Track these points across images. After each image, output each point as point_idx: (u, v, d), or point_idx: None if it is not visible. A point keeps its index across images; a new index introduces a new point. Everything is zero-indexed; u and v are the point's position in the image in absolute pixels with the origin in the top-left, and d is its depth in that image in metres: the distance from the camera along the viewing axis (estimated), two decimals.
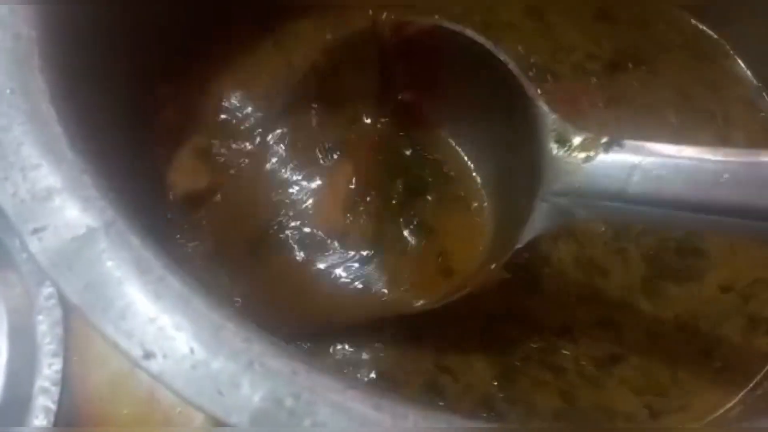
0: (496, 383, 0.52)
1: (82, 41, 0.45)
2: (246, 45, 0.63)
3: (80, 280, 0.34)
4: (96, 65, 0.45)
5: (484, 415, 0.51)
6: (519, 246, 0.48)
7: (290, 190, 0.58)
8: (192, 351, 0.33)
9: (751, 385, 0.52)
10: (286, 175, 0.58)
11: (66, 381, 0.57)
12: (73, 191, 0.37)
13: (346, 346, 0.53)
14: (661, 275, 0.57)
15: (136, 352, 0.33)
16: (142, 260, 0.36)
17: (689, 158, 0.43)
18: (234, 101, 0.60)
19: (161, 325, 0.34)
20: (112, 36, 0.48)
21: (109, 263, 0.35)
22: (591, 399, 0.52)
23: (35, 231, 0.35)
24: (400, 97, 0.59)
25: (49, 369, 0.57)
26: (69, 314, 0.58)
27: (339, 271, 0.55)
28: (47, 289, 0.59)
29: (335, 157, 0.59)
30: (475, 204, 0.58)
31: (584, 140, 0.46)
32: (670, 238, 0.58)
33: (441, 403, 0.51)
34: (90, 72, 0.44)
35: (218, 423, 0.32)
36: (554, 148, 0.47)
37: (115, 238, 0.36)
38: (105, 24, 0.48)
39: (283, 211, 0.57)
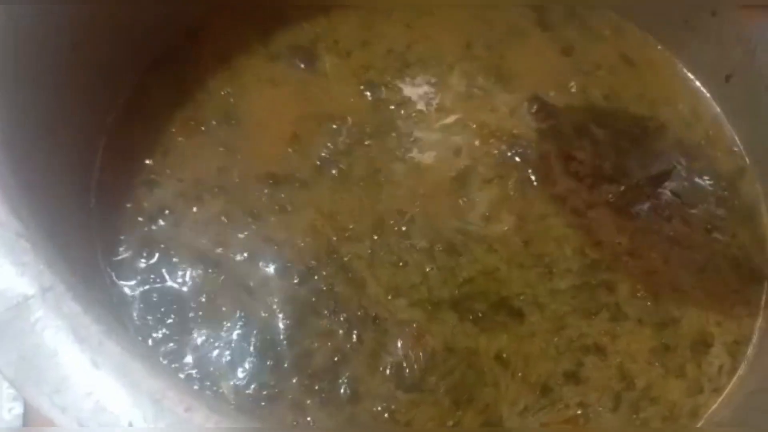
0: None
1: (22, 93, 0.42)
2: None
3: (14, 352, 0.32)
4: (37, 120, 0.43)
5: None
6: None
7: None
8: (130, 424, 0.31)
9: None
10: None
11: (27, 426, 0.54)
12: (8, 256, 0.35)
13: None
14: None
15: (72, 428, 0.31)
16: (80, 327, 0.34)
17: None
18: None
19: (98, 397, 0.32)
20: (54, 89, 0.46)
21: (45, 332, 0.33)
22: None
23: None
24: None
25: (9, 414, 0.55)
26: None
27: None
28: None
29: None
30: None
31: None
32: None
33: None
34: (30, 128, 0.42)
35: None
36: None
37: (52, 304, 0.34)
38: (47, 77, 0.45)
39: None
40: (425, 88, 0.65)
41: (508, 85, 0.65)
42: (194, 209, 0.57)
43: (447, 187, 0.60)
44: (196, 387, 0.52)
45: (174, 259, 0.56)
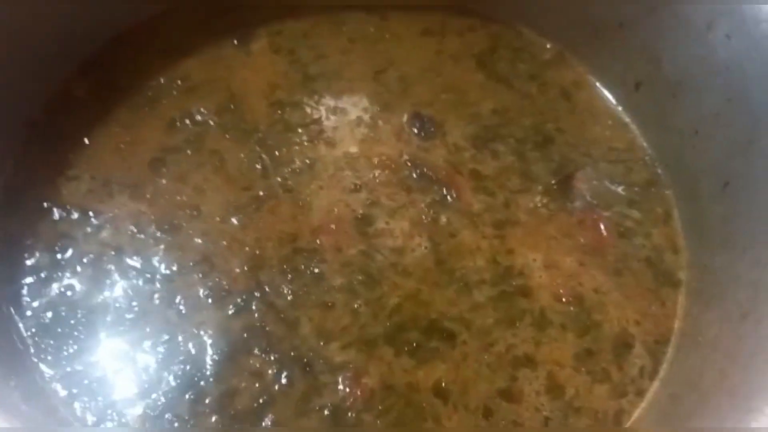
0: None
1: None
2: None
3: None
4: None
5: None
6: None
7: None
8: None
9: None
10: None
11: None
12: None
13: None
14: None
15: None
16: None
17: None
18: None
19: None
20: None
21: None
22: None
23: None
24: None
25: None
26: None
27: None
28: None
29: None
30: None
31: None
32: None
33: None
34: None
35: None
36: None
37: None
38: None
39: None
40: (322, 109, 0.63)
41: (389, 107, 0.63)
42: (109, 208, 0.55)
43: (350, 223, 0.57)
44: (91, 418, 0.47)
45: (85, 263, 0.52)
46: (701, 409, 0.49)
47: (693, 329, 0.55)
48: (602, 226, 0.61)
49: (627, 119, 0.66)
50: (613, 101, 0.67)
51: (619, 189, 0.62)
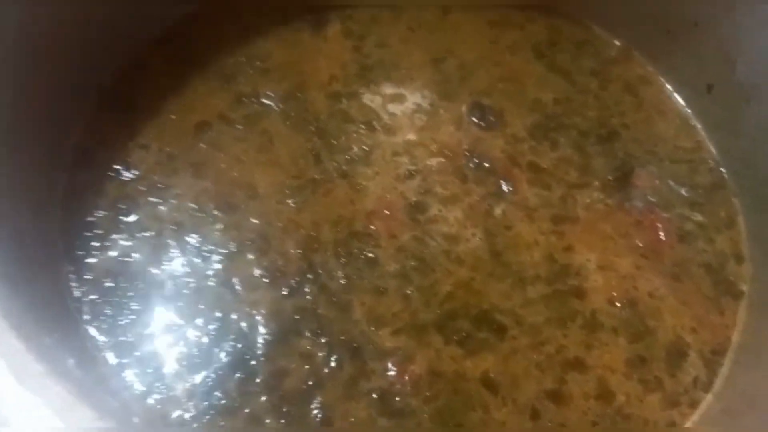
0: None
1: None
2: None
3: None
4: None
5: None
6: None
7: None
8: None
9: None
10: None
11: None
12: None
13: None
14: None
15: None
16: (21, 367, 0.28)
17: None
18: None
19: None
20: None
21: None
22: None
23: None
24: None
25: None
26: None
27: None
28: None
29: None
30: None
31: None
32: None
33: None
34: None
35: None
36: None
37: None
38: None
39: None
40: (379, 98, 0.60)
41: (448, 96, 0.61)
42: (173, 183, 0.54)
43: (403, 209, 0.55)
44: (140, 388, 0.47)
45: (146, 236, 0.51)
46: (757, 430, 0.45)
47: (753, 344, 0.52)
48: (661, 227, 0.57)
49: (695, 122, 0.62)
50: (682, 103, 0.63)
51: (682, 190, 0.59)
